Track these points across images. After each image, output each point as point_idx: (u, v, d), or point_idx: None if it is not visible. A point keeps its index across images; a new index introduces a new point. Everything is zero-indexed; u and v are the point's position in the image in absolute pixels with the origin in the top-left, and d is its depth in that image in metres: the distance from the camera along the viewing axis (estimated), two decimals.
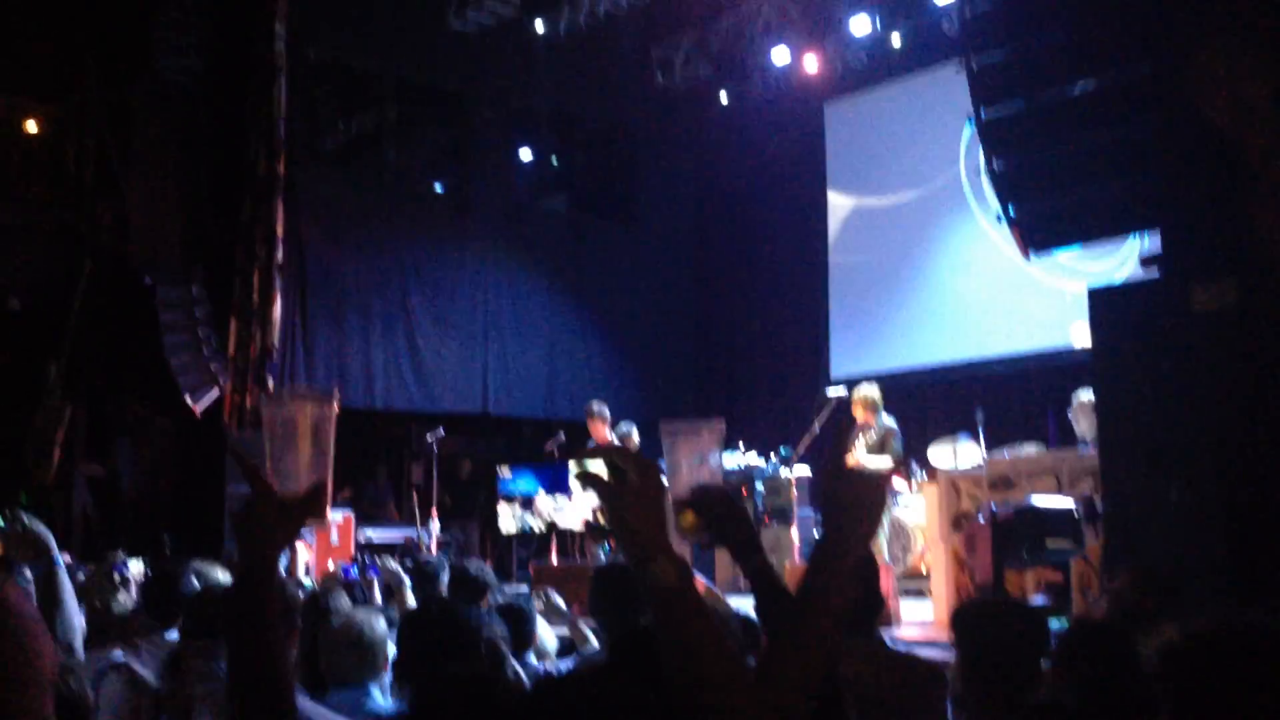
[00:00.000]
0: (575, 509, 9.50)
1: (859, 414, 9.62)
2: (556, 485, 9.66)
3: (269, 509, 1.89)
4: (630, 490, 1.58)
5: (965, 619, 2.99)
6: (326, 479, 8.73)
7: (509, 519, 10.03)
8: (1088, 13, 5.74)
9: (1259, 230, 4.92)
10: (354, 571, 5.38)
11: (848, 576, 1.68)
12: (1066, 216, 6.12)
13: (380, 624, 3.22)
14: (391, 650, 3.22)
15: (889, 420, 9.60)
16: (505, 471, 10.46)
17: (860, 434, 9.56)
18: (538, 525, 9.75)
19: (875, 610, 3.64)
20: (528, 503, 9.91)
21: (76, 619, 3.44)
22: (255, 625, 1.89)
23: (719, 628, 1.57)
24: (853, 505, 1.69)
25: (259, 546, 1.88)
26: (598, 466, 1.62)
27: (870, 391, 9.73)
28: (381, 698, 3.23)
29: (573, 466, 1.63)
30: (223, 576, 3.91)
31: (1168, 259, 5.53)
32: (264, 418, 9.11)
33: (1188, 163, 5.37)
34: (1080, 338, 9.92)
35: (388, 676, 3.22)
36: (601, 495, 1.59)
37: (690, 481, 9.41)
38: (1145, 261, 5.99)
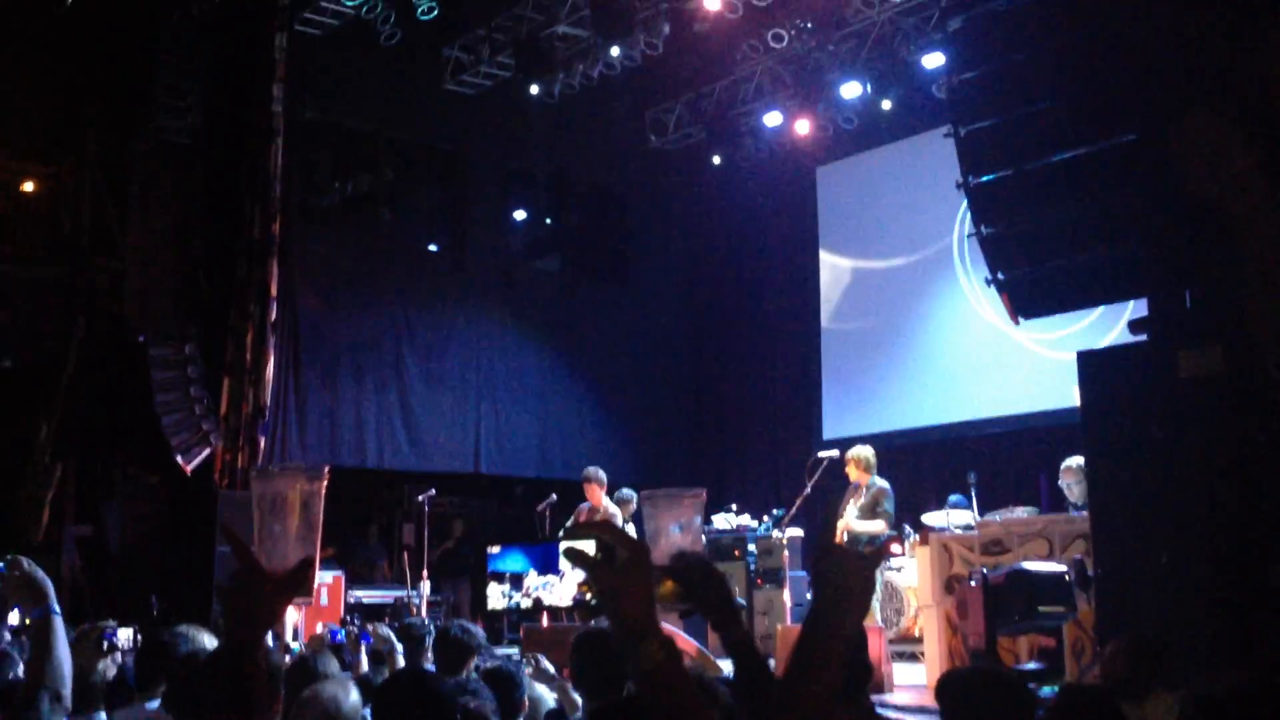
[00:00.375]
0: (563, 587, 9.45)
1: (852, 474, 9.62)
2: (545, 564, 9.63)
3: (255, 586, 1.90)
4: (619, 569, 1.59)
5: (950, 688, 2.98)
6: (314, 556, 8.71)
7: (497, 596, 9.96)
8: (1073, 81, 5.81)
9: (1244, 298, 4.96)
10: (341, 635, 5.33)
11: (837, 656, 1.68)
12: (1055, 283, 6.15)
13: (352, 695, 3.16)
14: None
15: (881, 481, 9.59)
16: (494, 549, 10.40)
17: (852, 495, 9.55)
18: (525, 603, 9.69)
19: (863, 678, 3.62)
20: (517, 580, 9.85)
21: (67, 667, 3.41)
22: (237, 698, 1.89)
23: (705, 708, 1.57)
24: (842, 585, 1.69)
25: (244, 623, 1.89)
26: (587, 544, 1.63)
27: (864, 452, 9.73)
28: None
29: (562, 543, 1.64)
30: (209, 642, 3.87)
31: (1154, 325, 5.57)
32: (253, 492, 9.10)
33: (1173, 230, 5.42)
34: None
35: None
36: (590, 574, 1.59)
37: (670, 550, 9.31)
38: (1134, 326, 6.01)
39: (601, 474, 10.56)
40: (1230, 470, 5.00)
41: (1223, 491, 4.97)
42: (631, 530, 10.94)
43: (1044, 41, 5.95)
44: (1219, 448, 5.10)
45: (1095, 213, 5.82)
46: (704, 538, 10.39)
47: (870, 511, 9.37)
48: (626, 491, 11.06)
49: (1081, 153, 5.69)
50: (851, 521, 9.39)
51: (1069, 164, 5.78)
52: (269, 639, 3.25)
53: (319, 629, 9.31)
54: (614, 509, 10.44)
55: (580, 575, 1.54)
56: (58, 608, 3.35)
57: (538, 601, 9.61)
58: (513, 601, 9.76)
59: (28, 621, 3.87)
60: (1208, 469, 5.11)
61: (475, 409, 13.69)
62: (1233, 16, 5.24)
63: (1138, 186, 5.47)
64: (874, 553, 1.83)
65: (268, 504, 8.81)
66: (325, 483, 9.17)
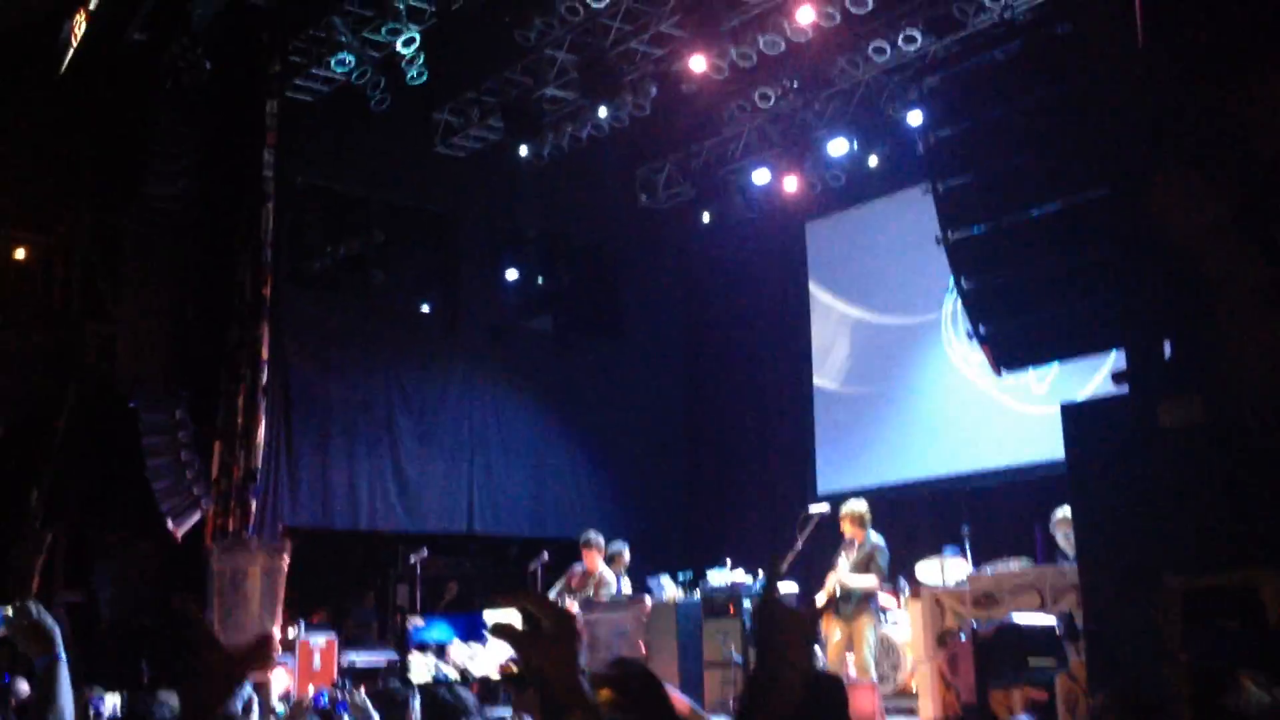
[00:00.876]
0: (489, 656, 9.32)
1: (847, 529, 9.61)
2: (470, 633, 9.53)
3: (210, 662, 1.92)
4: (545, 640, 1.59)
5: None
6: (273, 632, 8.71)
7: (422, 669, 9.80)
8: (1048, 137, 5.91)
9: (1221, 348, 5.00)
10: (325, 699, 5.28)
11: (782, 706, 1.69)
12: (1035, 335, 6.21)
13: None
14: None
15: (876, 537, 9.58)
16: (417, 620, 10.30)
17: (846, 550, 9.52)
18: (452, 673, 9.54)
19: None
20: (441, 651, 9.71)
21: (68, 715, 3.40)
22: None
23: None
24: (782, 639, 1.71)
25: (199, 697, 1.90)
26: (512, 615, 1.63)
27: (858, 507, 9.73)
28: None
29: (488, 615, 1.65)
30: None
31: (1134, 377, 5.61)
32: (213, 568, 9.12)
33: (1150, 282, 5.48)
34: None
35: None
36: (516, 645, 1.60)
37: (609, 657, 9.33)
38: (1116, 378, 6.05)
39: (601, 539, 10.54)
40: (1212, 522, 5.00)
41: (1205, 544, 4.97)
42: (627, 584, 10.90)
43: (1017, 99, 6.06)
44: (1201, 499, 5.11)
45: (1073, 265, 5.89)
46: (643, 645, 10.32)
47: (864, 566, 9.35)
48: (618, 544, 11.03)
49: (1057, 207, 5.77)
50: (844, 576, 9.36)
51: (1045, 218, 5.86)
52: (242, 704, 3.24)
53: (310, 691, 9.26)
54: (609, 575, 10.41)
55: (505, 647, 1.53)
56: (64, 655, 3.35)
57: (464, 673, 9.45)
58: (440, 673, 9.59)
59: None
60: (1190, 521, 5.11)
61: (468, 469, 13.66)
62: (1200, 72, 5.34)
63: (1113, 239, 5.54)
64: (812, 609, 1.86)
65: (228, 579, 8.84)
66: (287, 557, 9.18)
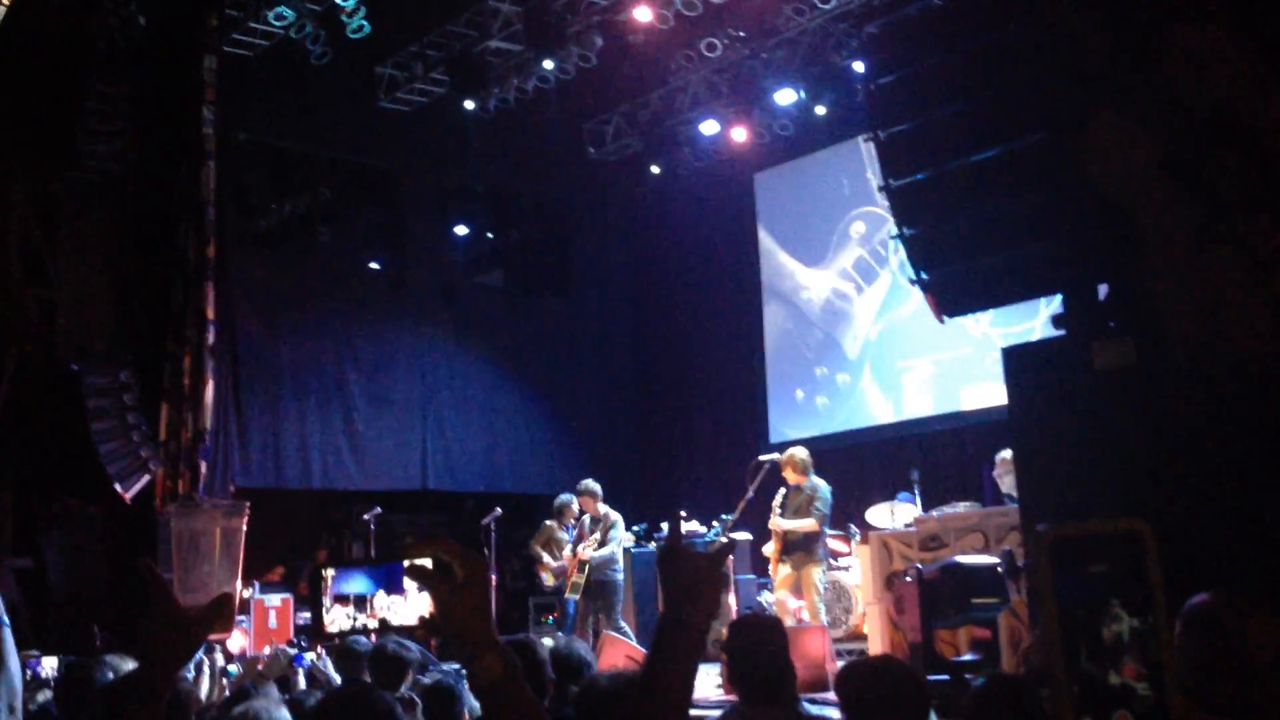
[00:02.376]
0: (409, 606, 9.37)
1: (790, 476, 9.71)
2: (390, 584, 9.57)
3: (170, 624, 1.92)
4: (456, 586, 1.61)
5: (847, 680, 3.05)
6: (234, 592, 8.67)
7: (342, 619, 9.85)
8: (985, 83, 5.93)
9: (1153, 291, 5.08)
10: (304, 660, 5.28)
11: (690, 648, 1.73)
12: (976, 281, 6.26)
13: (280, 712, 3.17)
14: None
15: (818, 480, 9.69)
16: (331, 571, 10.33)
17: (792, 496, 9.64)
18: (371, 624, 9.60)
19: (786, 678, 3.68)
20: (360, 602, 9.75)
21: (18, 680, 3.40)
22: None
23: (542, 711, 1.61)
24: (687, 583, 1.75)
25: (158, 659, 1.91)
26: (426, 562, 1.65)
27: (799, 453, 9.85)
28: None
29: (405, 562, 1.66)
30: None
31: (1070, 320, 5.70)
32: (172, 529, 9.03)
33: (1085, 227, 5.55)
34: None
35: None
36: (430, 590, 1.62)
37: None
38: (1055, 321, 6.14)
39: (597, 487, 10.62)
40: (1144, 463, 5.12)
41: (1136, 484, 5.08)
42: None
43: (957, 45, 6.06)
44: (1134, 440, 5.22)
45: (1012, 211, 5.94)
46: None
47: (805, 510, 9.47)
48: (565, 496, 11.13)
49: (995, 153, 5.80)
50: (779, 521, 9.48)
51: (984, 164, 5.89)
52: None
53: (266, 650, 9.26)
54: (615, 514, 10.51)
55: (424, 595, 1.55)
56: (7, 620, 3.33)
57: (383, 622, 9.56)
58: (358, 623, 9.67)
59: None
60: (1123, 461, 5.22)
61: (421, 426, 13.65)
62: (1135, 19, 5.38)
63: (1049, 185, 5.59)
64: (717, 550, 1.89)
65: (187, 540, 8.79)
66: (245, 519, 9.13)
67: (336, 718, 2.86)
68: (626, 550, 12.51)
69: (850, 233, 13.82)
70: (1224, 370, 4.72)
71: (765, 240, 14.86)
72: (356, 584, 2.05)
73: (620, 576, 10.42)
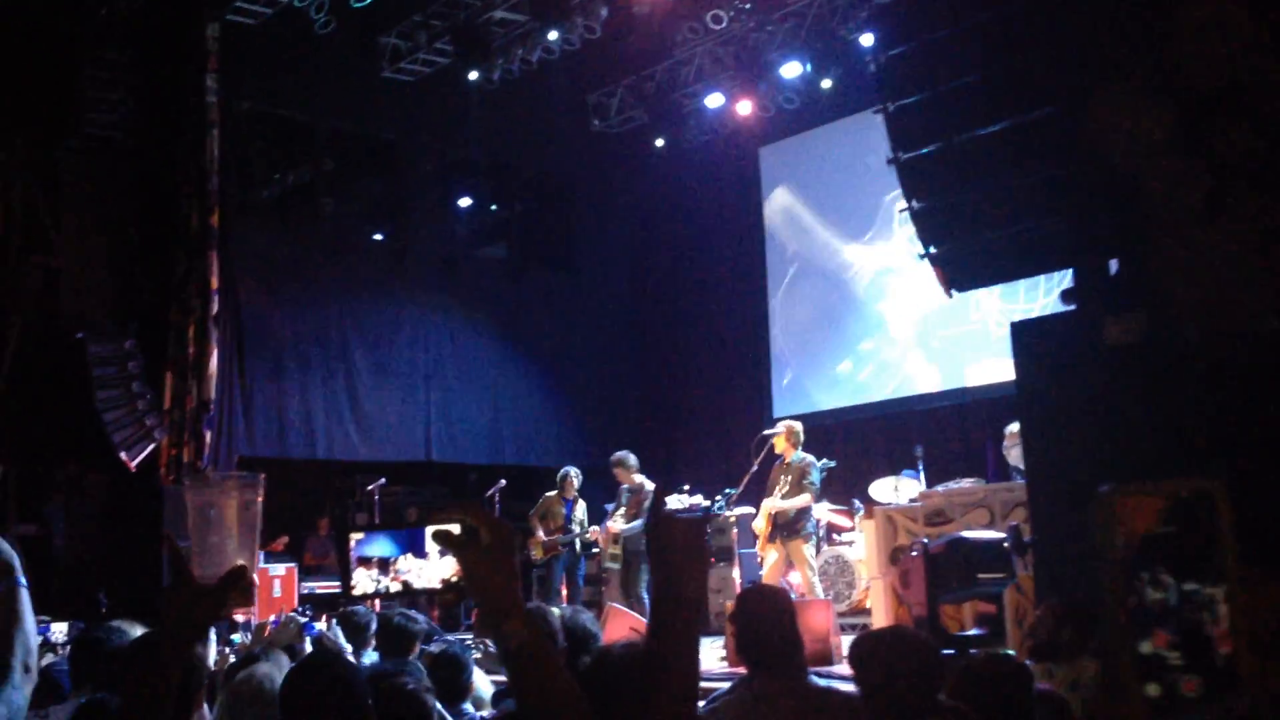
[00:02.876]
0: (431, 570, 9.46)
1: (782, 446, 9.73)
2: (413, 547, 9.66)
3: (189, 597, 1.92)
4: (483, 549, 1.61)
5: (861, 650, 3.05)
6: (249, 566, 8.66)
7: (366, 581, 9.93)
8: (995, 56, 5.90)
9: (1162, 266, 5.06)
10: (314, 628, 5.29)
11: (693, 618, 1.73)
12: (986, 255, 6.25)
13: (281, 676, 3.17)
14: None
15: (806, 455, 9.72)
16: (359, 535, 10.41)
17: (782, 471, 9.66)
18: (394, 587, 9.68)
19: (795, 648, 3.68)
20: (384, 564, 9.85)
21: (34, 639, 3.39)
22: (151, 693, 1.92)
23: (573, 685, 1.61)
24: (672, 551, 1.74)
25: (177, 631, 1.91)
26: (453, 526, 1.65)
27: (794, 426, 9.87)
28: None
29: (431, 527, 1.67)
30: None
31: (1081, 294, 5.68)
32: (188, 502, 9.00)
33: (1096, 201, 5.53)
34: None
35: None
36: (456, 554, 1.62)
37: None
38: (1064, 296, 6.12)
39: (633, 458, 10.64)
40: (1154, 437, 5.11)
41: (1145, 458, 5.08)
42: (582, 508, 11.04)
43: (968, 17, 6.02)
44: (1144, 414, 5.21)
45: (1022, 185, 5.92)
46: None
47: (798, 484, 9.47)
48: (566, 468, 11.17)
49: (1005, 126, 5.78)
50: (776, 503, 9.48)
51: (994, 138, 5.87)
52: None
53: (273, 618, 9.29)
54: (650, 484, 10.53)
55: (448, 559, 1.57)
56: (24, 579, 3.30)
57: (406, 585, 9.64)
58: (380, 586, 9.75)
59: None
60: (1132, 436, 5.22)
61: (424, 397, 13.65)
62: None
63: (1060, 158, 5.57)
64: (699, 519, 1.88)
65: (203, 513, 8.78)
66: (262, 491, 9.11)
67: (302, 686, 2.84)
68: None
69: (855, 206, 13.77)
70: (1234, 343, 4.71)
71: (769, 214, 14.80)
72: (379, 547, 2.04)
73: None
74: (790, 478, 9.51)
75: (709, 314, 15.18)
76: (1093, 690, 3.96)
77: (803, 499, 9.41)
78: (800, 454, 9.66)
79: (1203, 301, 4.76)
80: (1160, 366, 5.25)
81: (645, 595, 10.09)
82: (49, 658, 4.48)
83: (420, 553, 9.40)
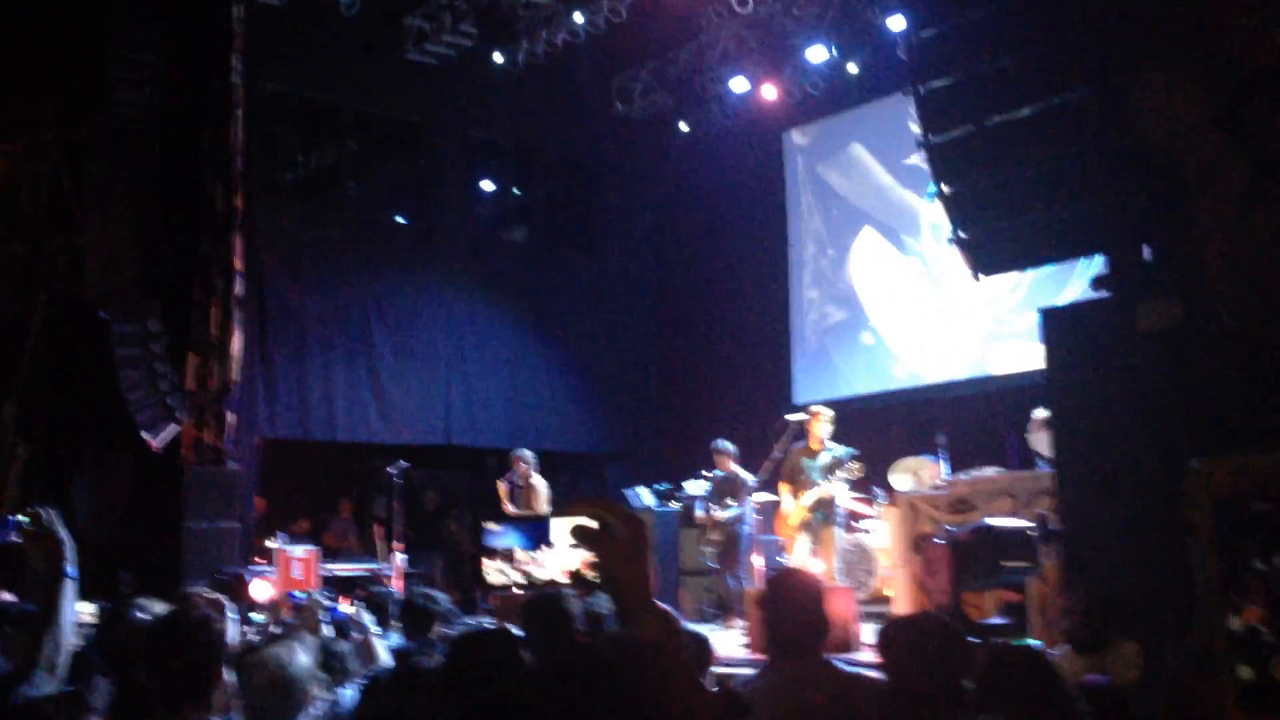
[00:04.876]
0: (554, 561, 9.69)
1: (821, 431, 9.66)
2: (536, 540, 9.92)
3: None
4: (618, 544, 1.60)
5: (891, 636, 3.00)
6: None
7: (494, 572, 10.26)
8: (1030, 37, 5.81)
9: (1200, 251, 4.99)
10: (302, 597, 5.28)
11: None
12: (1015, 240, 6.17)
13: (300, 658, 3.14)
14: (315, 686, 3.15)
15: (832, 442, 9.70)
16: (493, 526, 10.66)
17: (811, 456, 9.61)
18: (517, 578, 9.98)
19: (819, 633, 3.64)
20: (508, 556, 10.13)
21: (67, 637, 3.30)
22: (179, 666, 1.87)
23: (700, 687, 1.59)
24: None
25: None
26: (589, 521, 1.63)
27: (830, 412, 9.82)
28: None
29: (563, 520, 1.65)
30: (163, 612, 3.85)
31: (1114, 280, 5.60)
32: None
33: (1130, 185, 5.45)
34: None
35: (314, 710, 3.15)
36: (595, 550, 1.60)
37: None
38: (1096, 283, 6.04)
39: (729, 445, 10.66)
40: (1188, 424, 5.04)
41: (1180, 445, 5.01)
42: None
43: None
44: (1177, 401, 5.14)
45: (1054, 169, 5.84)
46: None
47: (832, 472, 9.42)
48: (524, 451, 11.29)
49: (1039, 109, 5.70)
50: (829, 487, 9.39)
51: (1027, 120, 5.79)
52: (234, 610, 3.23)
53: (294, 596, 9.31)
54: (745, 474, 10.52)
55: (576, 552, 1.59)
56: (73, 571, 3.19)
57: (528, 575, 9.87)
58: (507, 578, 10.09)
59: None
60: (1166, 423, 5.15)
61: (445, 381, 13.63)
62: None
63: (1095, 142, 5.48)
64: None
65: None
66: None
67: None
68: (648, 509, 12.56)
69: (880, 192, 13.67)
70: (1272, 330, 4.63)
71: (793, 199, 14.71)
72: (506, 539, 2.03)
73: (747, 529, 10.47)
74: (825, 463, 9.45)
75: (731, 299, 15.11)
76: (1135, 670, 3.91)
77: (842, 485, 9.40)
78: (832, 444, 9.64)
79: (1240, 286, 4.68)
80: (1195, 352, 5.18)
81: (742, 577, 10.16)
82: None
83: (544, 545, 9.69)
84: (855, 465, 9.35)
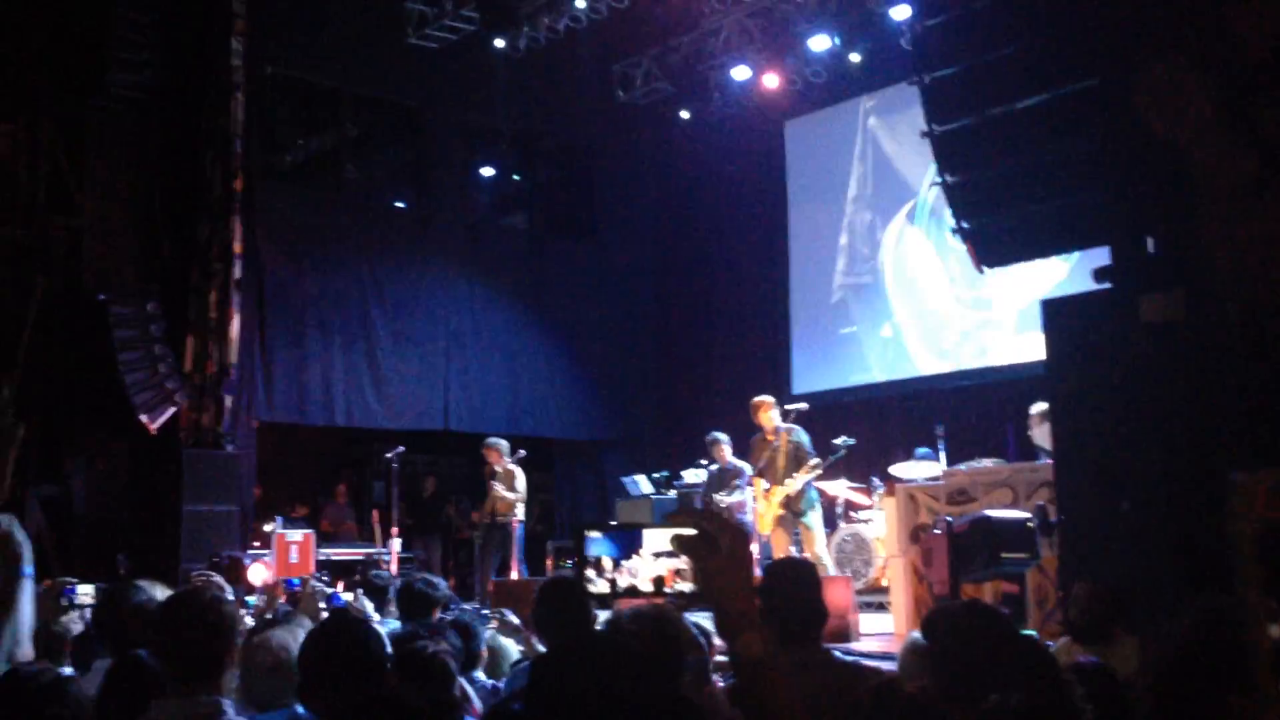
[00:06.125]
0: (642, 569, 9.62)
1: (769, 421, 9.69)
2: (628, 549, 9.85)
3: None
4: (719, 556, 1.56)
5: (939, 623, 2.96)
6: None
7: (594, 581, 10.17)
8: (1036, 27, 5.78)
9: (1205, 243, 4.97)
10: (297, 583, 5.29)
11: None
12: (1019, 231, 6.15)
13: (301, 642, 3.13)
14: None
15: (793, 426, 9.72)
16: (593, 533, 10.56)
17: (765, 448, 9.65)
18: (604, 587, 9.88)
19: (818, 621, 3.64)
20: (598, 564, 10.04)
21: (26, 631, 3.35)
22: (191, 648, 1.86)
23: (800, 705, 1.57)
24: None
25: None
26: (689, 530, 1.60)
27: (766, 399, 9.87)
28: None
29: (663, 532, 1.62)
30: (162, 595, 3.84)
31: (1117, 272, 5.58)
32: None
33: (1135, 176, 5.42)
34: None
35: None
36: (697, 562, 1.57)
37: None
38: (1097, 274, 6.02)
39: (725, 436, 10.65)
40: (1190, 417, 5.03)
41: (1182, 438, 5.00)
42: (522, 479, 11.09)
43: None
44: (1180, 393, 5.13)
45: (1058, 159, 5.82)
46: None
47: (802, 457, 9.45)
48: (496, 440, 11.25)
49: (1044, 98, 5.67)
50: (793, 482, 9.43)
51: (1032, 110, 5.76)
52: (229, 591, 3.23)
53: (296, 581, 9.32)
54: (739, 462, 10.51)
55: (663, 562, 1.57)
56: (30, 570, 3.26)
57: (612, 583, 9.78)
58: (596, 586, 9.95)
59: None
60: (1168, 415, 5.13)
61: (444, 366, 13.61)
62: None
63: (1100, 132, 5.46)
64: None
65: None
66: None
67: (320, 649, 2.81)
68: (646, 497, 12.56)
69: (880, 183, 13.65)
70: (1276, 323, 4.61)
71: (793, 188, 14.68)
72: (597, 547, 2.02)
73: (748, 518, 10.47)
74: (786, 450, 9.47)
75: (730, 288, 15.10)
76: (1135, 666, 3.89)
77: (816, 471, 9.41)
78: (786, 426, 9.65)
79: (1245, 278, 4.66)
80: (1198, 346, 5.16)
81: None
82: (73, 616, 4.47)
83: (634, 554, 9.61)
84: (814, 462, 9.38)
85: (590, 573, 2.10)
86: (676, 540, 1.58)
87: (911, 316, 13.33)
